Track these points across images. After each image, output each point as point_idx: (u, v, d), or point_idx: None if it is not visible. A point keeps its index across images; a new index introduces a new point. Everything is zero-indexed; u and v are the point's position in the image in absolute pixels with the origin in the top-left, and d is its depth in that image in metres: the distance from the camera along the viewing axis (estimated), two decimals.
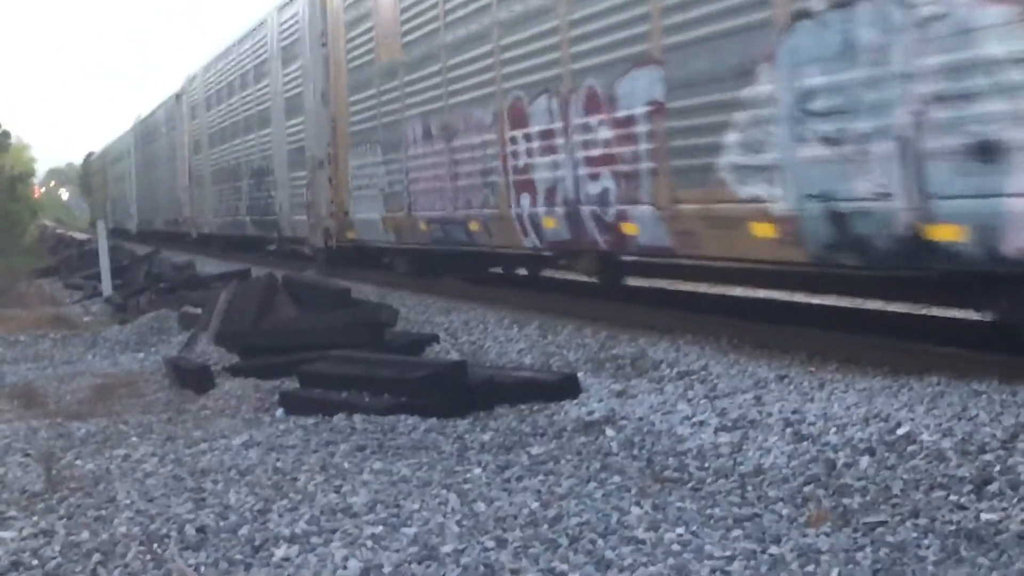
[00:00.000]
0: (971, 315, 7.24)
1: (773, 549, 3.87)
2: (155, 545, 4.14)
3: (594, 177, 8.96)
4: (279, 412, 7.09)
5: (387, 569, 3.82)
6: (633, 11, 8.32)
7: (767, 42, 6.86)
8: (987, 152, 5.41)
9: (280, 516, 4.46)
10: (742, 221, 7.23)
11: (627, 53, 8.41)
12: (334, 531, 4.22)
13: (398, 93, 13.09)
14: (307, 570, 3.85)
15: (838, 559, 3.75)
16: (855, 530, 4.09)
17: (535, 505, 4.50)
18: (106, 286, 16.82)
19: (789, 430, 5.44)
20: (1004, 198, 5.36)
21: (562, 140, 9.36)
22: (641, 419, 6.12)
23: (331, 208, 15.86)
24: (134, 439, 6.41)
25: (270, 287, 10.11)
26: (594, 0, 8.81)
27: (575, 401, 6.73)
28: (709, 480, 4.97)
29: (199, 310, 11.35)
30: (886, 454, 4.87)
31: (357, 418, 6.46)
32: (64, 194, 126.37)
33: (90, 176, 71.49)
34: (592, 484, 4.88)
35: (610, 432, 5.95)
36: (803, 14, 6.55)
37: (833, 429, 5.33)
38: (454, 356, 8.87)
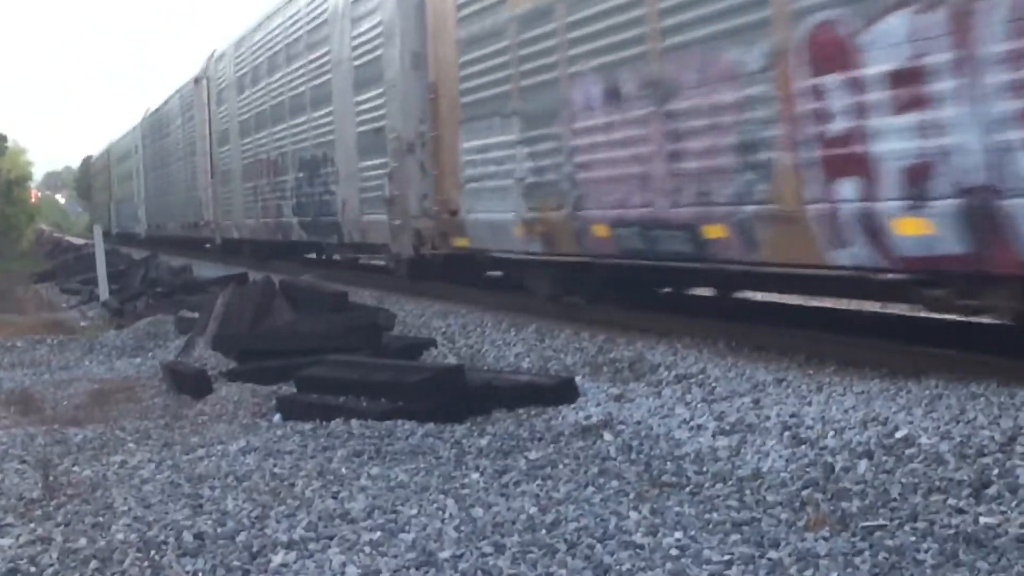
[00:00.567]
0: (971, 317, 7.23)
1: (771, 553, 3.87)
2: (152, 552, 4.14)
3: None
4: (276, 417, 7.08)
5: (385, 575, 3.82)
6: None
7: None
8: None
9: (278, 522, 4.45)
10: None
11: None
12: (332, 537, 4.22)
13: (554, 41, 9.33)
14: None
15: (837, 563, 3.75)
16: (853, 534, 4.09)
17: (533, 510, 4.50)
18: (103, 291, 16.82)
19: (787, 433, 5.44)
20: None
21: (952, 83, 5.66)
22: (639, 423, 6.12)
23: (426, 205, 12.39)
24: (131, 445, 6.40)
25: (267, 291, 10.09)
26: None
27: (573, 405, 6.73)
28: (707, 484, 4.96)
29: (196, 314, 11.34)
30: (884, 457, 4.87)
31: (354, 423, 6.45)
32: (61, 198, 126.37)
33: (90, 178, 69.70)
34: (590, 489, 4.88)
35: (608, 436, 5.95)
36: None
37: (831, 432, 5.33)
38: (451, 360, 8.87)
